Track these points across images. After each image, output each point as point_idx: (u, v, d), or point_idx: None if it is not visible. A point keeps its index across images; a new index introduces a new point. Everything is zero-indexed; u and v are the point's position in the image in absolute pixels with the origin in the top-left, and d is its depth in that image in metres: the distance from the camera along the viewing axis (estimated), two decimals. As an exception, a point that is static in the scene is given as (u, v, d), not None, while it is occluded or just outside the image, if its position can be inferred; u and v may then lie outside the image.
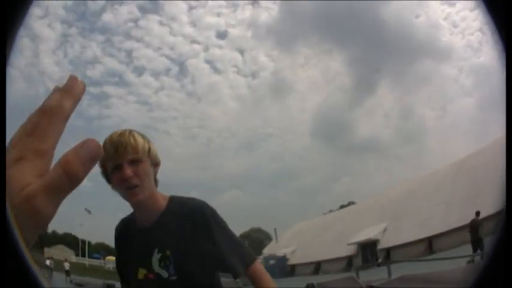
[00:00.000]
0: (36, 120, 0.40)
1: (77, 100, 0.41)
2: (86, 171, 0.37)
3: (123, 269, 1.70)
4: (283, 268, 34.56)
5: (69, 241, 65.01)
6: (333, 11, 73.36)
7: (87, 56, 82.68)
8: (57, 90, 0.41)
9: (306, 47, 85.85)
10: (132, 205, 1.54)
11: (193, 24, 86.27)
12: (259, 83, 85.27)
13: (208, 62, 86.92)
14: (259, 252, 48.90)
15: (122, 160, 1.46)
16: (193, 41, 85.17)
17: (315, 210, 75.14)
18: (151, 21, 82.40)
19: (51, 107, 0.40)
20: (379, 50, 73.07)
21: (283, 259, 36.92)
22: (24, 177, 0.37)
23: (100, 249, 63.52)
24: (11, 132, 0.38)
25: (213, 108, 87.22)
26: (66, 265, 31.76)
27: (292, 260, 36.92)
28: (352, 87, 79.14)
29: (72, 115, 0.41)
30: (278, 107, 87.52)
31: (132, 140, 1.47)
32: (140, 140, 1.50)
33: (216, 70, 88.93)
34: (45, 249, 52.94)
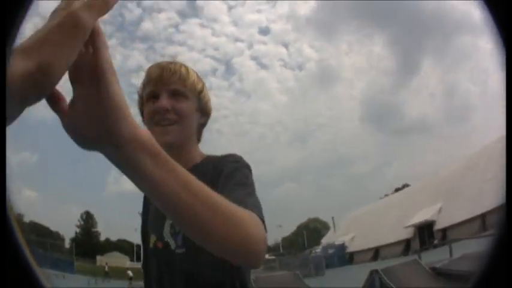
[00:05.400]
0: None
1: None
2: None
3: (143, 237, 1.32)
4: (342, 256, 34.67)
5: (124, 247, 62.23)
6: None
7: (130, 65, 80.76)
8: None
9: (347, 33, 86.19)
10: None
11: (235, 23, 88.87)
12: (306, 75, 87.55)
13: (253, 58, 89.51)
14: (318, 242, 48.99)
15: (163, 88, 1.11)
16: (237, 40, 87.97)
17: (371, 195, 75.40)
18: (192, 25, 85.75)
19: None
20: (418, 29, 72.49)
21: (341, 247, 36.61)
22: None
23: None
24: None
25: (263, 103, 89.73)
26: (129, 273, 33.16)
27: (351, 248, 36.47)
28: (397, 70, 79.37)
29: None
30: (326, 96, 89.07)
31: (183, 70, 1.14)
32: (193, 75, 1.16)
33: (263, 66, 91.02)
34: (98, 257, 51.43)
